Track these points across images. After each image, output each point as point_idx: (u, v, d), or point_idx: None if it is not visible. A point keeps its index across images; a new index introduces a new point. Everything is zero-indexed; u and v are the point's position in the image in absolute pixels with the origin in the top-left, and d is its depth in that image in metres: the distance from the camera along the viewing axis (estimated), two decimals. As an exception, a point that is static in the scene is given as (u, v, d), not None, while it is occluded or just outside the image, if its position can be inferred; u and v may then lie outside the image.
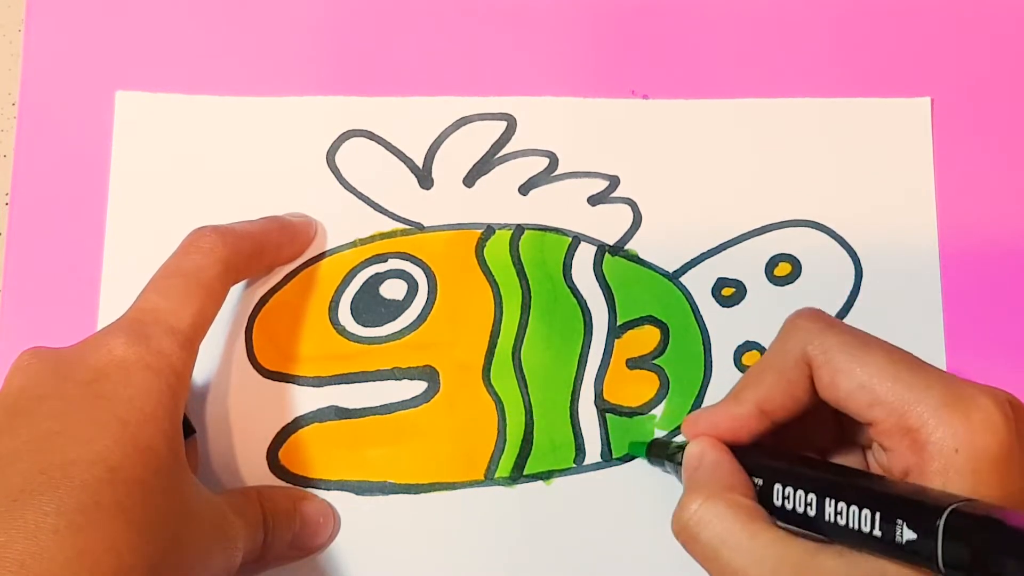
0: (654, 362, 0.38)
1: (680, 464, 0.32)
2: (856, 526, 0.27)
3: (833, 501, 0.28)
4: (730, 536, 0.28)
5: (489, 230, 0.39)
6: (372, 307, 0.38)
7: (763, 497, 0.30)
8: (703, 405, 0.37)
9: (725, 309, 0.38)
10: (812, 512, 0.28)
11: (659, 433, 0.37)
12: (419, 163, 0.39)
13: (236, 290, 0.38)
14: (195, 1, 0.40)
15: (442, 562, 0.36)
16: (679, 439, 0.36)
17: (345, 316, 0.38)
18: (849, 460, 0.32)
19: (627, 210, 0.39)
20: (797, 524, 0.29)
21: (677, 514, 0.30)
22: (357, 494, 0.36)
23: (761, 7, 0.41)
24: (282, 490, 0.36)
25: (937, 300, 0.38)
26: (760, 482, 0.30)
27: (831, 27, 0.40)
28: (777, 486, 0.30)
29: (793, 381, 0.31)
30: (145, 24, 0.40)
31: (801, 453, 0.32)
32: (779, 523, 0.29)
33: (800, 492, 0.29)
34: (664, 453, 0.35)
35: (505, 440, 0.37)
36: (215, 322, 0.34)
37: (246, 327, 0.38)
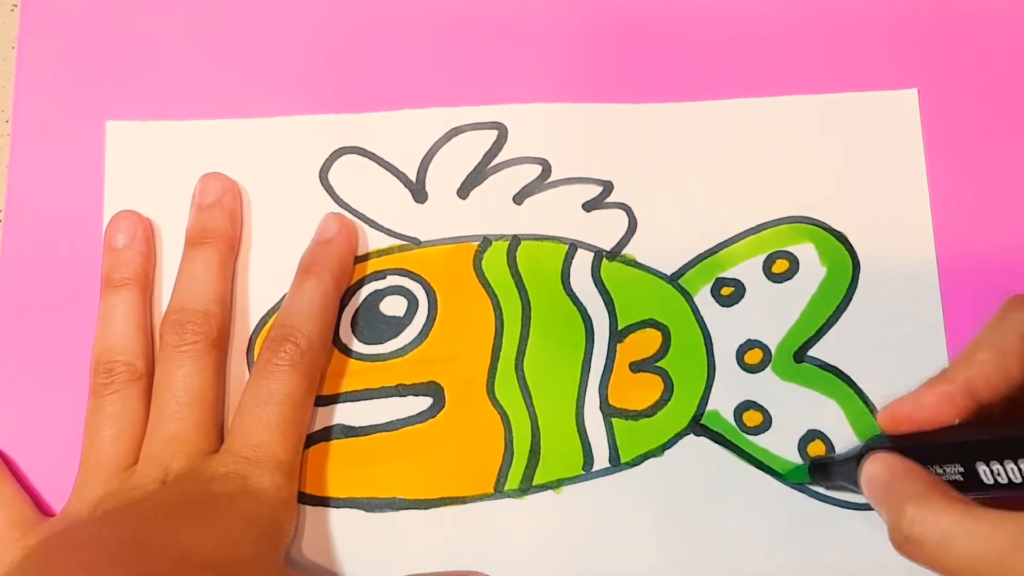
0: (657, 364, 0.38)
1: (857, 478, 0.32)
2: None
3: None
4: (956, 527, 0.27)
5: (485, 242, 0.39)
6: (373, 324, 0.38)
7: (967, 480, 0.30)
8: (709, 405, 0.37)
9: (725, 309, 0.38)
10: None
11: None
12: (412, 177, 0.39)
13: (237, 309, 0.38)
14: (177, 26, 0.40)
15: (455, 576, 0.36)
16: (838, 455, 0.36)
17: (346, 334, 0.38)
18: None
19: (622, 215, 0.39)
20: (1007, 494, 0.29)
21: (893, 530, 0.29)
22: (367, 511, 0.36)
23: (743, 8, 0.40)
24: None
25: (935, 289, 0.38)
26: (960, 468, 0.30)
27: (813, 24, 0.40)
28: (982, 466, 0.29)
29: (1009, 360, 0.30)
30: (132, 51, 0.40)
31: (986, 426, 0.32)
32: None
33: (1010, 464, 0.29)
34: (833, 470, 0.34)
35: (513, 452, 0.37)
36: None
37: (248, 347, 0.38)
